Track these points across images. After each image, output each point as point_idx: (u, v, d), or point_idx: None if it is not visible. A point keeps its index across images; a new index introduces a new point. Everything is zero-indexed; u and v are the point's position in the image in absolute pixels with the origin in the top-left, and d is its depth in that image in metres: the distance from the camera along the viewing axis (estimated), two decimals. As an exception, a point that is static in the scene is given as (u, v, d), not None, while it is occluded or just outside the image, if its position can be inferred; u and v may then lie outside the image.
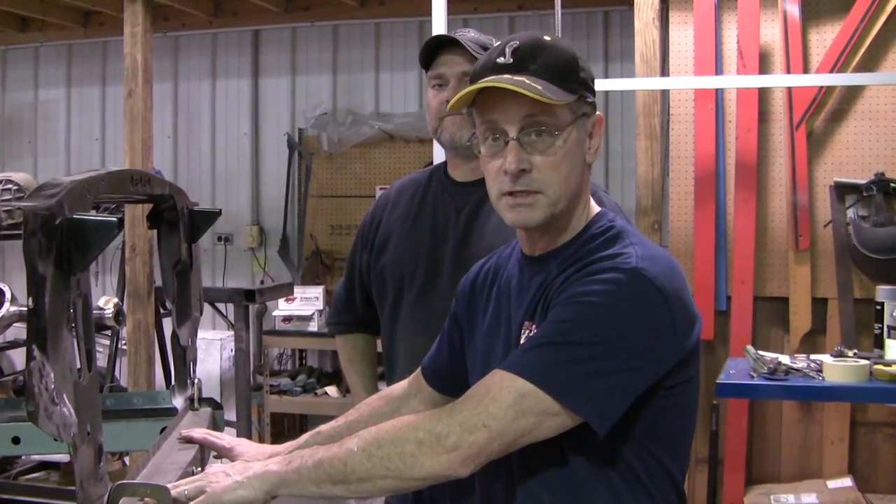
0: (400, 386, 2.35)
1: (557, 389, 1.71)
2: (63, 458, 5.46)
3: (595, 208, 1.99)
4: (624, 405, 1.75)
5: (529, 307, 1.92)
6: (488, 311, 2.09)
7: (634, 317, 1.75)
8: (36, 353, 1.44)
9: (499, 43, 1.93)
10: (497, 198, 1.90)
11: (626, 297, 1.75)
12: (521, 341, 1.89)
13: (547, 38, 1.91)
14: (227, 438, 2.23)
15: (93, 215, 1.55)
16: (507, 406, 1.71)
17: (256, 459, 2.05)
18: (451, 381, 2.22)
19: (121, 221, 1.49)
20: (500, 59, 1.87)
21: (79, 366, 1.61)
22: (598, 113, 1.93)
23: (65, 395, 1.51)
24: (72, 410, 1.54)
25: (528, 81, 1.81)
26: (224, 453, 2.21)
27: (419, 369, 2.32)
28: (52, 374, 1.47)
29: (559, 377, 1.72)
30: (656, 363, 1.78)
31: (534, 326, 1.87)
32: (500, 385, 1.73)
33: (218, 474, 1.79)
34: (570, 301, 1.78)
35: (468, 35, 2.74)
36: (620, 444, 1.79)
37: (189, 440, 2.20)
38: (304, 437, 2.24)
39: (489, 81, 1.84)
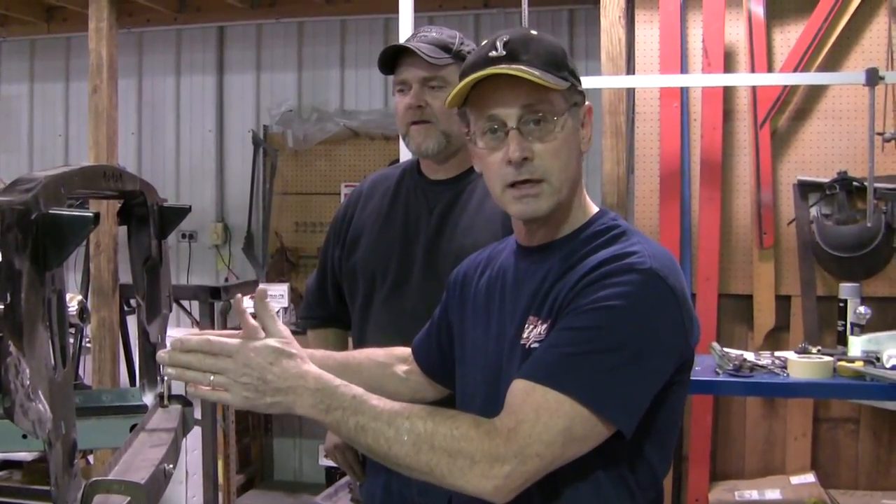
0: (402, 350, 2.40)
1: (600, 405, 1.72)
2: (27, 456, 5.41)
3: (594, 205, 2.00)
4: (646, 407, 1.78)
5: (533, 301, 1.91)
6: (478, 304, 2.10)
7: (655, 318, 1.77)
8: (12, 348, 1.43)
9: (487, 40, 1.94)
10: (501, 190, 1.91)
11: (645, 298, 1.76)
12: (525, 336, 1.88)
13: (534, 31, 1.94)
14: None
15: (68, 210, 1.54)
16: (558, 433, 1.71)
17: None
18: (438, 368, 2.28)
19: (97, 216, 1.47)
20: (493, 53, 1.88)
21: (53, 362, 1.61)
22: (587, 103, 1.96)
23: (40, 392, 1.51)
24: (47, 406, 1.53)
25: (526, 69, 1.82)
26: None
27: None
28: (27, 370, 1.46)
29: (603, 393, 1.72)
30: (672, 364, 1.81)
31: (539, 322, 1.87)
32: (549, 409, 1.71)
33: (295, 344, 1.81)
34: (594, 308, 1.77)
35: (430, 35, 2.74)
36: (615, 440, 1.78)
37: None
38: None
39: (491, 70, 1.84)
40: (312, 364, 1.80)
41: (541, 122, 1.86)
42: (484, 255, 2.21)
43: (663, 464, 1.92)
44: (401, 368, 2.35)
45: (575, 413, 1.71)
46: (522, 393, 1.75)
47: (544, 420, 1.71)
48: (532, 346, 1.86)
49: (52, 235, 1.51)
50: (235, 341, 1.76)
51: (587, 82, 2.02)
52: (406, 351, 2.39)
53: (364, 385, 2.34)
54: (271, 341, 1.77)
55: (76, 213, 1.53)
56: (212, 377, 1.74)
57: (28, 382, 1.46)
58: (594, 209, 2.00)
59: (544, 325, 1.86)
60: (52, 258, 1.52)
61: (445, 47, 2.68)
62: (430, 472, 1.72)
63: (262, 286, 1.84)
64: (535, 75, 1.81)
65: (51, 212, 1.52)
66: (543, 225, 1.96)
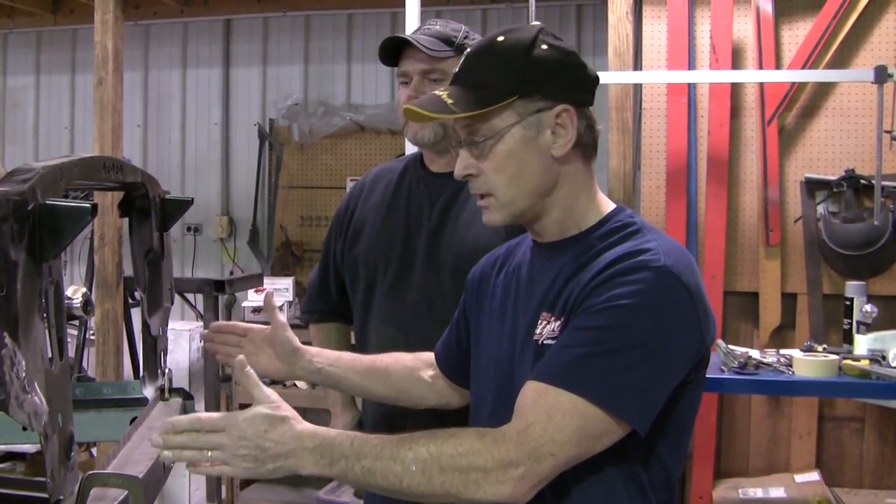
0: (429, 354, 2.39)
1: (615, 405, 1.71)
2: (30, 448, 5.42)
3: (609, 203, 1.99)
4: (661, 406, 1.77)
5: (546, 298, 1.91)
6: (495, 301, 2.09)
7: (667, 316, 1.76)
8: (7, 340, 1.42)
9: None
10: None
11: (658, 297, 1.75)
12: (538, 332, 1.88)
13: (500, 38, 1.92)
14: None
15: (66, 201, 1.53)
16: (572, 432, 1.70)
17: None
18: (459, 371, 2.26)
19: (95, 207, 1.46)
20: (456, 68, 1.94)
21: (50, 354, 1.59)
22: (561, 105, 1.88)
23: (36, 384, 1.49)
24: (43, 399, 1.52)
25: (443, 98, 1.86)
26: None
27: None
28: (23, 362, 1.45)
29: (617, 392, 1.71)
30: (687, 362, 1.80)
31: (552, 318, 1.86)
32: (561, 409, 1.71)
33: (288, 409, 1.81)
34: (607, 307, 1.76)
35: (433, 28, 2.74)
36: (629, 439, 1.77)
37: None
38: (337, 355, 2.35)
39: (414, 104, 1.90)
40: (304, 422, 1.80)
41: (479, 140, 1.88)
42: (501, 252, 2.21)
43: (677, 463, 1.91)
44: (427, 373, 2.35)
45: (589, 413, 1.70)
46: (534, 394, 1.75)
47: (556, 421, 1.70)
48: (545, 342, 1.85)
49: (49, 226, 1.50)
50: (225, 414, 1.76)
51: (594, 77, 1.99)
52: (433, 356, 2.38)
53: (391, 389, 2.35)
54: (261, 409, 1.76)
55: (73, 203, 1.52)
56: (209, 454, 1.74)
57: (23, 374, 1.45)
58: (610, 206, 1.98)
59: (557, 322, 1.85)
60: (48, 249, 1.51)
61: (447, 40, 2.68)
62: (447, 494, 1.72)
63: (240, 357, 1.83)
64: (444, 107, 1.85)
65: (48, 202, 1.51)
66: (531, 228, 1.98)
